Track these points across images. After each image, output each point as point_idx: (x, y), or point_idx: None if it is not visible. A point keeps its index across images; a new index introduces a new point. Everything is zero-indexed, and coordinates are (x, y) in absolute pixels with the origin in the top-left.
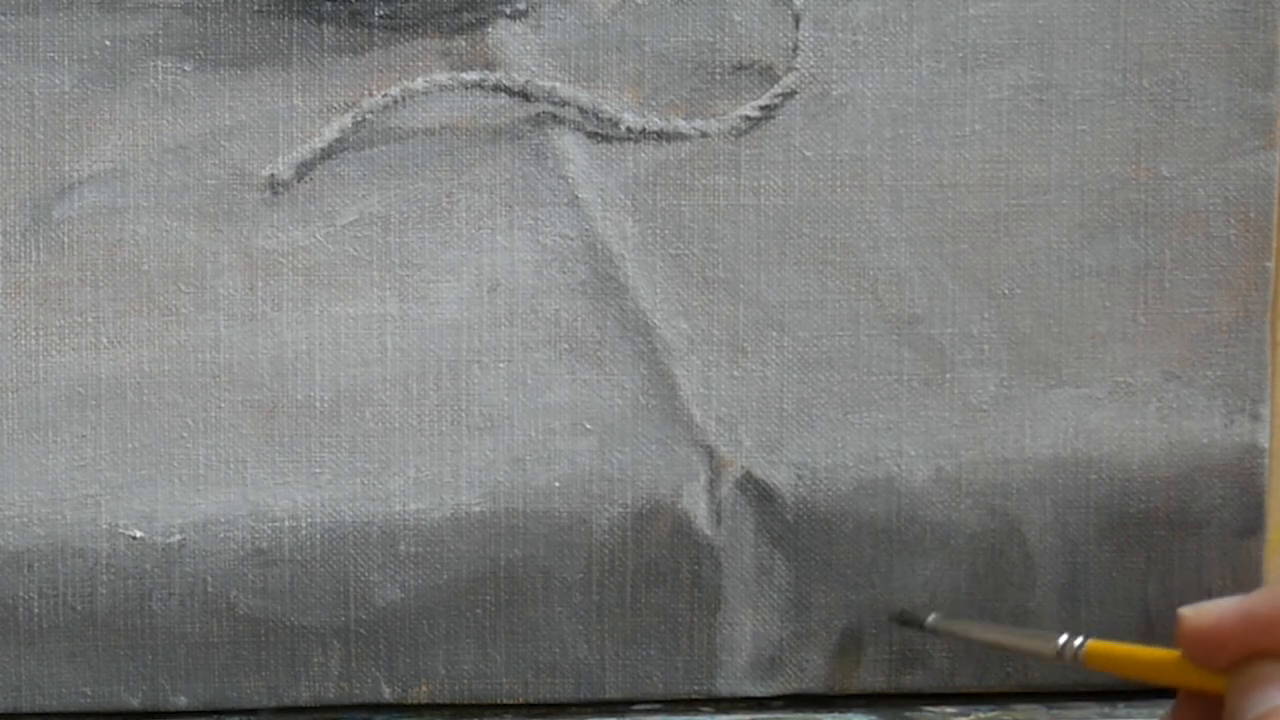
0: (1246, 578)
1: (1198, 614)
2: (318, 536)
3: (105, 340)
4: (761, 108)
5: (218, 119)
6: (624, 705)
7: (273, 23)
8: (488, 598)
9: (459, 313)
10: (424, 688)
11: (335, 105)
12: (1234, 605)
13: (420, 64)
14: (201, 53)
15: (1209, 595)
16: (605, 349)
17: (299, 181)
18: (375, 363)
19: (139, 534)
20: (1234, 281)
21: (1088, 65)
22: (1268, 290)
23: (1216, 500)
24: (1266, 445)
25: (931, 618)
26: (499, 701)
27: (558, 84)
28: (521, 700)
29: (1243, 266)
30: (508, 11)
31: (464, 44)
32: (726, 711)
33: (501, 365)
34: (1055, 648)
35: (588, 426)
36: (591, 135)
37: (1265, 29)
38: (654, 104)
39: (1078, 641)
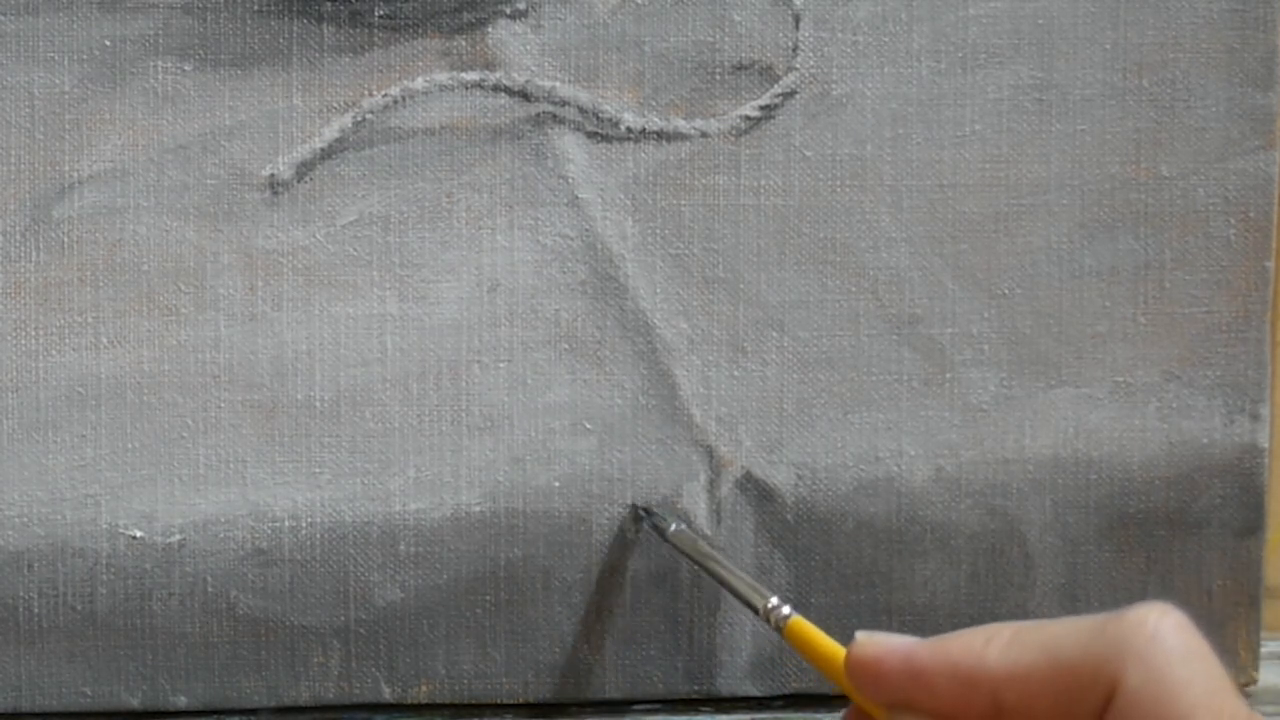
0: (1246, 578)
1: (866, 643)
2: (318, 536)
3: (105, 340)
4: (761, 108)
5: (218, 119)
6: (624, 705)
7: (273, 23)
8: (488, 598)
9: (459, 313)
10: (424, 688)
11: (335, 105)
12: (900, 646)
13: (420, 64)
14: (201, 53)
15: (1209, 595)
16: (605, 349)
17: (299, 181)
18: (375, 363)
19: (139, 534)
20: (1234, 281)
21: (1088, 65)
22: (1268, 290)
23: (1216, 500)
24: (1266, 445)
25: (674, 527)
26: (499, 701)
27: (558, 84)
28: (521, 700)
29: (1243, 266)
30: (508, 11)
31: (464, 44)
32: (726, 711)
33: (501, 365)
34: (764, 607)
35: (588, 426)
36: (591, 135)
37: (1265, 29)
38: (654, 104)
39: (785, 610)
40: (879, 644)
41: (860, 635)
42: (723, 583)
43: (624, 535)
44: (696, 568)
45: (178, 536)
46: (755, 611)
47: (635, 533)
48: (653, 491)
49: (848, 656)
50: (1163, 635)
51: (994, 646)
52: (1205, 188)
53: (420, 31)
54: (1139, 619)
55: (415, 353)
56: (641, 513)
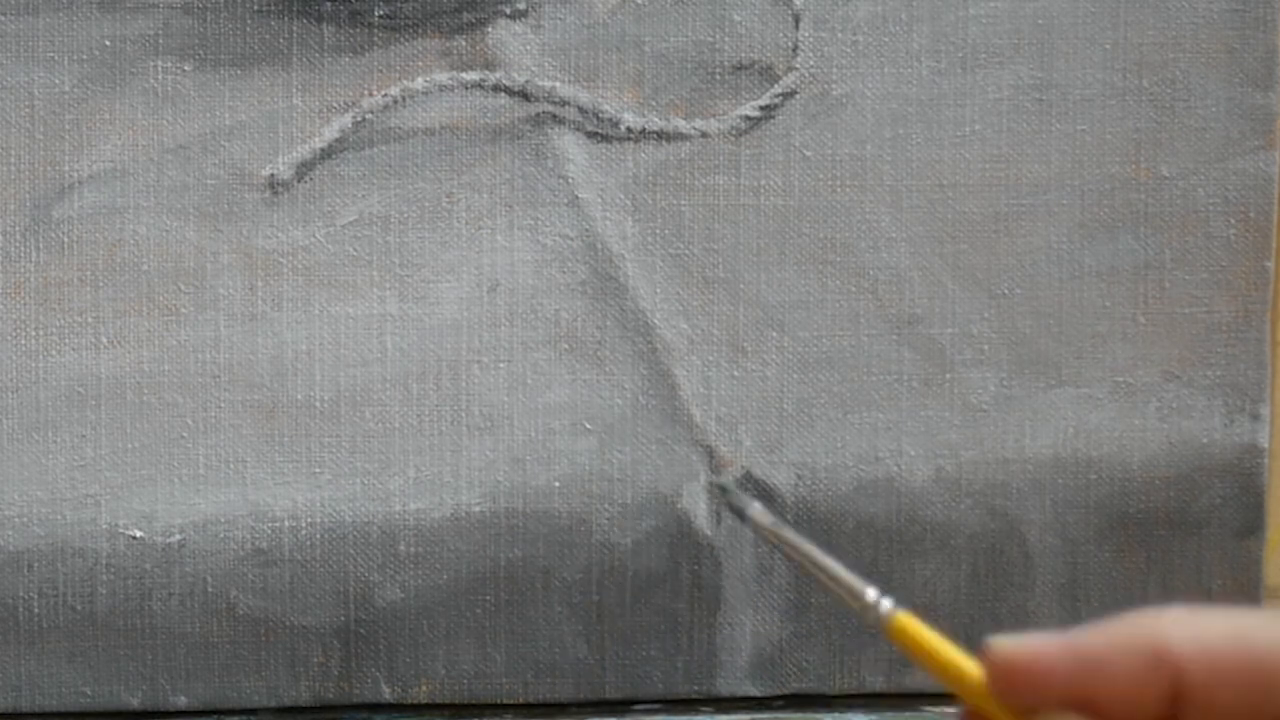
0: (1246, 577)
1: (1015, 647)
2: (318, 536)
3: (105, 340)
4: (761, 108)
5: (218, 119)
6: (624, 705)
7: (273, 23)
8: (488, 598)
9: (459, 313)
10: (424, 688)
11: (335, 105)
12: (1058, 643)
13: (420, 64)
14: (201, 53)
15: (1209, 595)
16: (605, 349)
17: (299, 181)
18: (375, 363)
19: (139, 534)
20: (1234, 281)
21: (1088, 65)
22: (1268, 290)
23: (1216, 500)
24: (1266, 445)
25: (754, 508)
26: (499, 701)
27: (558, 84)
28: (521, 700)
29: (1243, 266)
30: (508, 11)
31: (464, 44)
32: (726, 711)
33: (501, 365)
34: (863, 601)
35: (588, 426)
36: (591, 135)
37: (1265, 29)
38: (654, 104)
39: (886, 605)
40: (1028, 645)
41: (997, 640)
42: (812, 570)
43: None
44: (785, 557)
45: (178, 536)
46: (850, 606)
47: (718, 513)
48: (653, 491)
49: (992, 663)
50: None
51: (1170, 621)
52: (1205, 188)
53: (420, 31)
54: None
55: (415, 353)
56: (716, 489)
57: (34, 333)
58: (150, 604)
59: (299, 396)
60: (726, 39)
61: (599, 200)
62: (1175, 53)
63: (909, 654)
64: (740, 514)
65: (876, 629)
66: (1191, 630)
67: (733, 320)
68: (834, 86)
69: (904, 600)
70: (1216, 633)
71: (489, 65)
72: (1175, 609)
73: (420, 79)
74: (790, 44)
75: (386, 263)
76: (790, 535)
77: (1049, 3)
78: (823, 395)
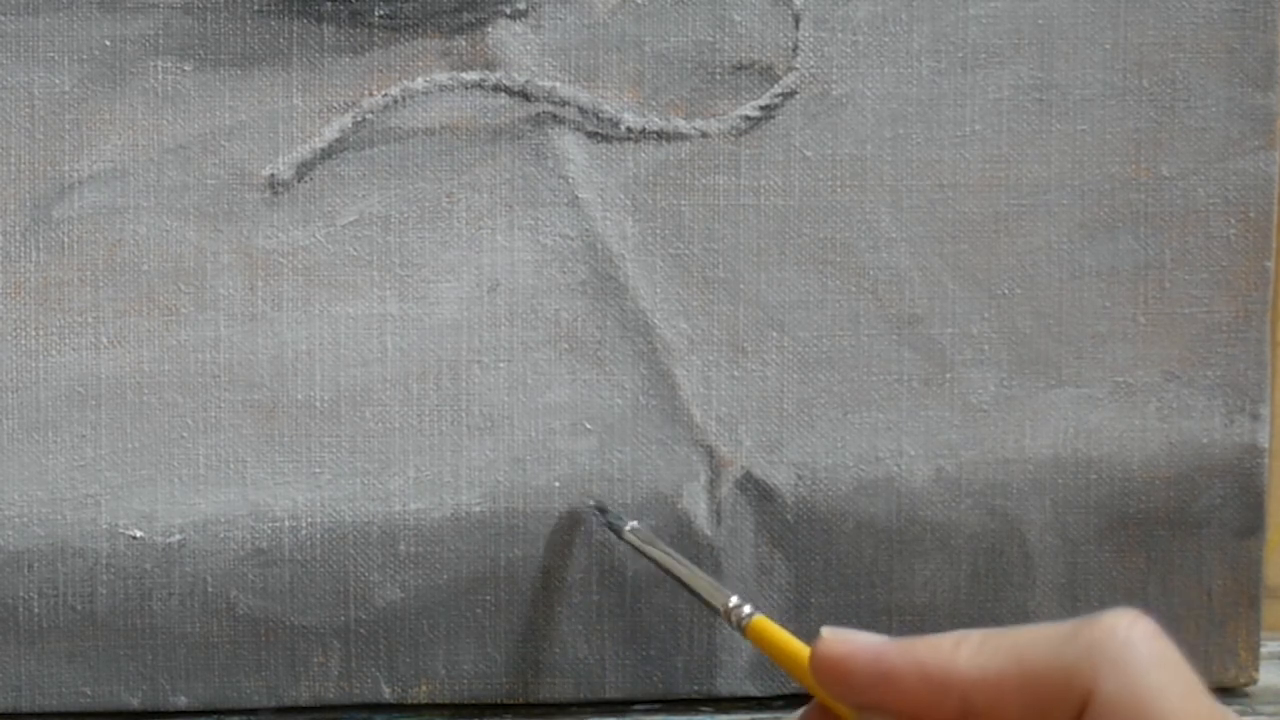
0: (1246, 577)
1: (832, 641)
2: (318, 536)
3: (105, 340)
4: (761, 108)
5: (218, 119)
6: (624, 705)
7: (273, 23)
8: (488, 598)
9: (459, 313)
10: (424, 688)
11: (335, 105)
12: (868, 645)
13: (420, 64)
14: (201, 53)
15: (1209, 595)
16: (605, 349)
17: (299, 181)
18: (375, 363)
19: (139, 534)
20: (1234, 281)
21: (1088, 65)
22: (1268, 290)
23: (1216, 500)
24: (1266, 445)
25: (630, 526)
26: (499, 701)
27: (558, 84)
28: (521, 700)
29: (1243, 266)
30: (508, 11)
31: (464, 44)
32: (726, 711)
33: (501, 365)
34: (725, 606)
35: (588, 426)
36: (591, 135)
37: (1265, 29)
38: (654, 104)
39: (746, 609)
40: (846, 641)
41: (826, 632)
42: (681, 582)
43: (588, 534)
44: (655, 567)
45: (178, 536)
46: (716, 612)
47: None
48: (653, 491)
49: (813, 654)
50: (1135, 642)
51: (963, 650)
52: (1205, 188)
53: (420, 31)
54: (1110, 626)
55: (415, 353)
56: (596, 511)
57: (34, 333)
58: (150, 604)
59: (299, 396)
60: (726, 39)
61: (599, 200)
62: (1175, 53)
63: (767, 652)
64: (618, 532)
65: (740, 630)
66: (977, 658)
67: (733, 320)
68: (834, 86)
69: (904, 600)
70: (998, 658)
71: (489, 65)
72: (972, 634)
73: (420, 79)
74: (790, 44)
75: (386, 263)
76: (660, 552)
77: (1049, 3)
78: (823, 395)
